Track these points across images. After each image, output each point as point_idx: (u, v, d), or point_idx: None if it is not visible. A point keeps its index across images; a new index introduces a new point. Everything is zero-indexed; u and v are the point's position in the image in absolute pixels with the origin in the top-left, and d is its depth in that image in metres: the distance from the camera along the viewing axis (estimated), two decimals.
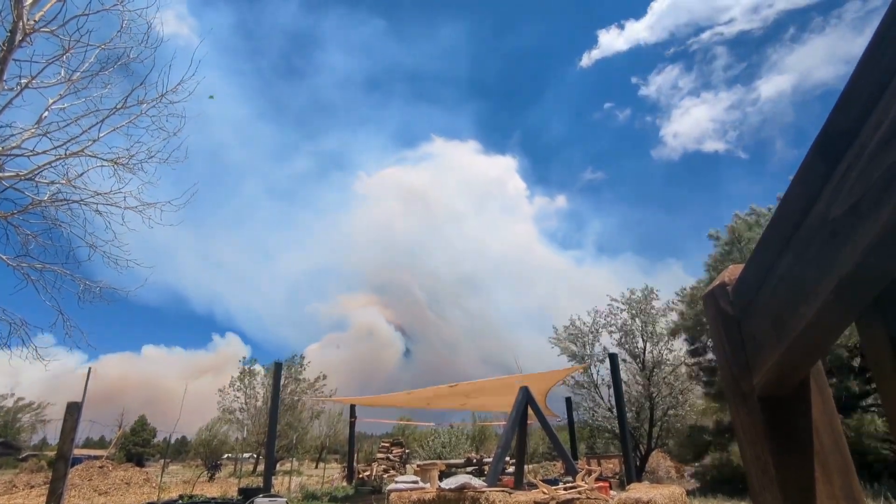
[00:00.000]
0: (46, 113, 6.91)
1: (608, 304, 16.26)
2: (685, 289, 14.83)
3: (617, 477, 14.62)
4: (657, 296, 15.80)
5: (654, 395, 14.62)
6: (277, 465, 24.74)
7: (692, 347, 14.10)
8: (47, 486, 8.29)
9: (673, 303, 15.45)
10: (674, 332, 14.69)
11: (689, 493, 10.40)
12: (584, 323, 16.44)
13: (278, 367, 12.10)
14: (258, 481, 17.16)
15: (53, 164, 6.97)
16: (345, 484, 15.26)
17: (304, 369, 25.83)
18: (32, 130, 6.76)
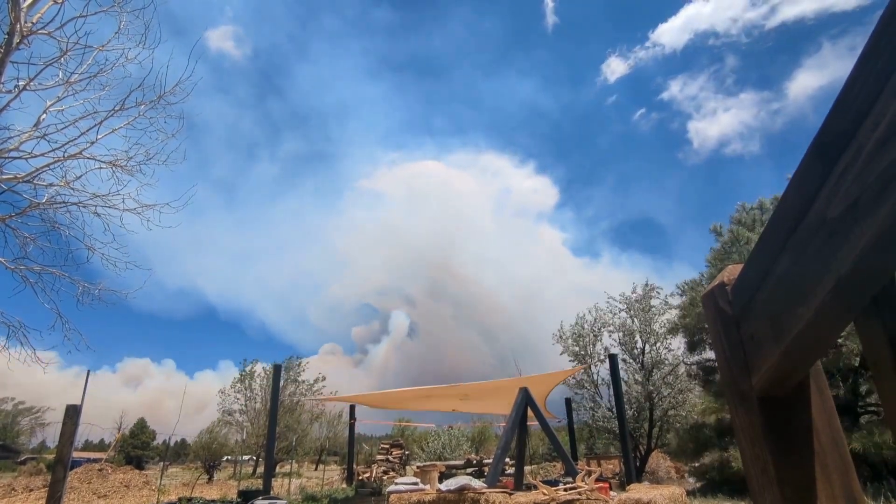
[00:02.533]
0: (44, 115, 6.89)
1: (607, 301, 16.26)
2: (685, 283, 14.86)
3: (617, 478, 14.61)
4: (658, 293, 15.79)
5: (653, 395, 14.62)
6: (277, 467, 24.71)
7: (690, 341, 14.12)
8: (46, 489, 8.29)
9: (669, 296, 15.45)
10: (672, 330, 14.68)
11: (689, 493, 10.40)
12: (588, 321, 16.44)
13: (277, 368, 12.07)
14: (258, 483, 17.13)
15: (52, 167, 6.96)
16: (344, 486, 15.24)
17: (303, 371, 25.80)
18: (30, 133, 6.75)
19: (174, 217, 8.09)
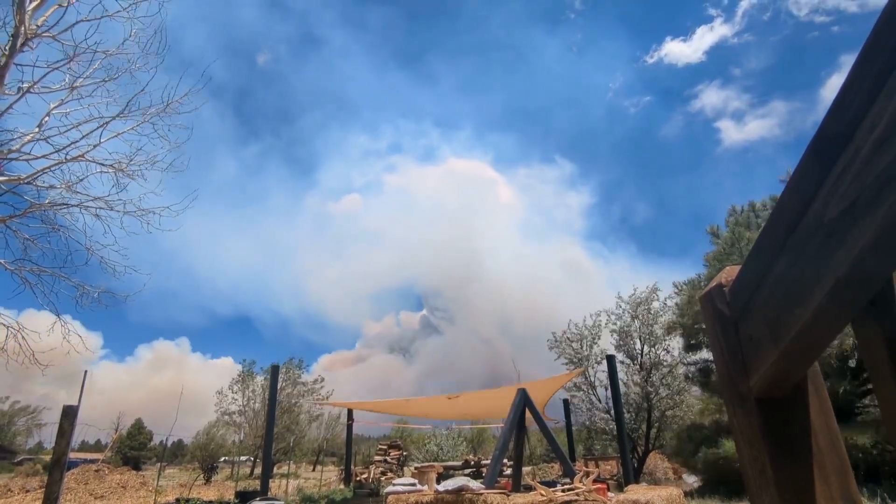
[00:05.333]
0: (47, 117, 6.89)
1: (616, 301, 16.18)
2: (682, 282, 14.86)
3: (615, 479, 14.61)
4: (658, 295, 15.71)
5: (651, 395, 14.62)
6: (275, 468, 24.64)
7: (687, 342, 14.14)
8: (43, 489, 8.24)
9: (668, 297, 15.44)
10: (670, 329, 14.67)
11: (686, 494, 10.41)
12: (585, 326, 16.38)
13: (275, 369, 12.04)
14: (255, 484, 17.10)
15: (53, 169, 6.95)
16: (342, 487, 15.20)
17: (303, 373, 25.73)
18: (33, 135, 6.74)
19: (174, 220, 8.09)
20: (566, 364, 16.06)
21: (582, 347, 16.05)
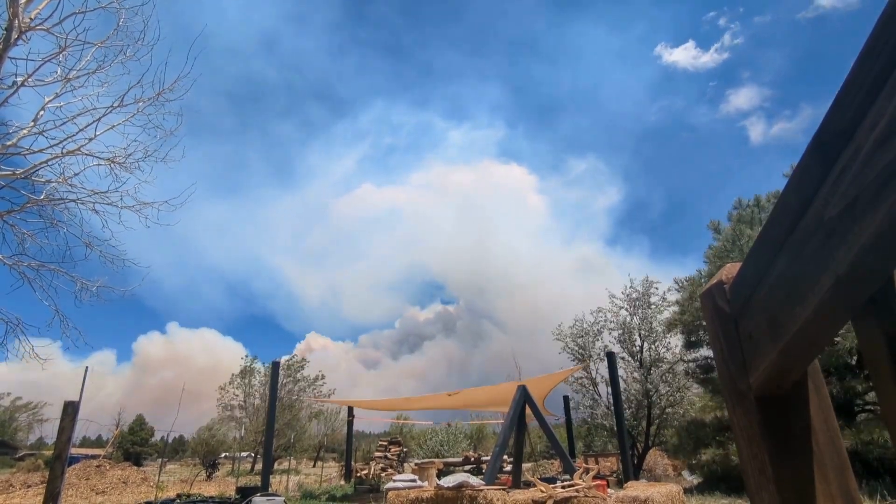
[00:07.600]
0: (42, 111, 6.87)
1: (610, 300, 16.21)
2: (683, 279, 14.87)
3: (615, 475, 14.65)
4: (657, 289, 15.73)
5: (651, 392, 14.64)
6: (275, 464, 24.73)
7: (687, 338, 14.14)
8: (44, 485, 8.29)
9: (667, 291, 15.44)
10: (671, 326, 14.68)
11: (686, 490, 10.43)
12: (587, 322, 16.45)
13: (276, 366, 12.09)
14: (256, 480, 17.15)
15: (50, 163, 6.94)
16: (343, 483, 15.26)
17: (303, 368, 25.80)
18: (29, 129, 6.74)
19: (172, 215, 8.09)
20: (570, 358, 16.15)
21: (584, 343, 16.10)
